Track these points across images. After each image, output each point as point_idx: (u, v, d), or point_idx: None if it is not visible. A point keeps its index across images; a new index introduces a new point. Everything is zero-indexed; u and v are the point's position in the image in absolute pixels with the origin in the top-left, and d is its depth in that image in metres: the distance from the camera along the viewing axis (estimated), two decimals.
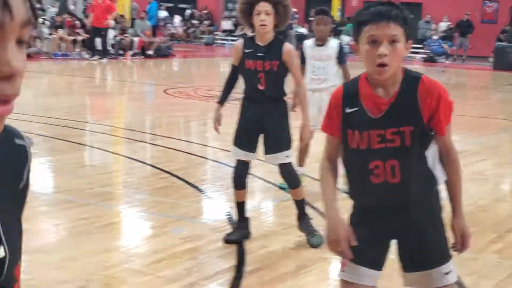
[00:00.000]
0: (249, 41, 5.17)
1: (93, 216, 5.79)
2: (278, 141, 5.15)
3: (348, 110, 2.73)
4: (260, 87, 5.09)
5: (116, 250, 5.09)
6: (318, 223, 5.81)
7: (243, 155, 5.25)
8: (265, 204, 6.59)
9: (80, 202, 6.18)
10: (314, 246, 5.23)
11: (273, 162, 5.29)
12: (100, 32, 21.02)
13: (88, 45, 21.51)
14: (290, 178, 5.29)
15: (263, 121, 5.11)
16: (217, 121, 5.34)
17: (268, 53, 5.06)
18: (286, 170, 5.25)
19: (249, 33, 5.28)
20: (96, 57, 21.05)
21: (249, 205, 6.14)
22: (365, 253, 2.79)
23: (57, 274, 4.49)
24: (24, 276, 4.43)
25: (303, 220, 5.35)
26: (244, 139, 5.21)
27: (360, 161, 2.73)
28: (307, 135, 5.34)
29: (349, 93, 2.76)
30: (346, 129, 2.75)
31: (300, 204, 5.35)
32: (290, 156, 5.26)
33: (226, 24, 33.26)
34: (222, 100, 5.35)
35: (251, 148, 5.22)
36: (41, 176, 7.39)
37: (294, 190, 5.31)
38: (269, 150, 5.20)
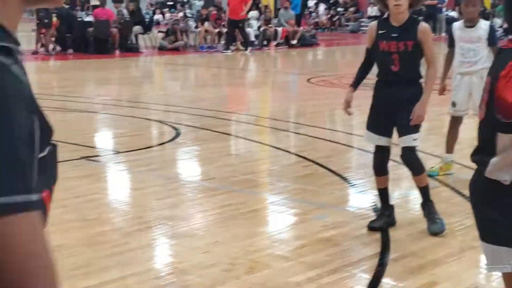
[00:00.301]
0: (384, 22, 5.10)
1: (237, 202, 5.89)
2: (408, 123, 4.99)
3: None
4: (394, 69, 4.99)
5: (260, 236, 5.15)
6: (466, 210, 5.61)
7: (377, 139, 5.16)
8: (411, 192, 6.43)
9: (225, 189, 6.30)
10: (434, 233, 5.07)
11: (400, 145, 5.15)
12: (237, 24, 21.26)
13: (227, 38, 21.84)
14: (413, 163, 5.12)
15: (396, 103, 4.99)
16: (347, 104, 5.24)
17: (403, 33, 4.96)
18: (408, 154, 5.08)
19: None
20: (230, 49, 21.28)
21: (395, 193, 6.05)
22: None
23: (203, 258, 4.59)
24: (173, 259, 4.57)
25: (426, 207, 5.18)
26: (377, 123, 5.12)
27: None
28: (421, 113, 5.03)
29: None
30: None
31: (424, 191, 5.18)
32: (418, 140, 5.09)
33: (372, 10, 32.75)
34: (355, 84, 5.26)
35: (385, 132, 5.11)
36: (188, 164, 7.62)
37: (417, 176, 5.13)
38: (399, 133, 5.08)
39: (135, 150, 7.92)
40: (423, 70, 5.12)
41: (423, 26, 5.02)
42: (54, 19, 19.87)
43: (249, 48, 21.48)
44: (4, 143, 0.93)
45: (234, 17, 21.23)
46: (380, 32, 5.06)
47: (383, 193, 5.29)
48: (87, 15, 21.77)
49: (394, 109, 5.02)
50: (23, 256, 0.92)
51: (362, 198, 6.15)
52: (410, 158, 5.10)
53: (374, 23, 5.24)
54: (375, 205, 5.70)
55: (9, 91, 0.96)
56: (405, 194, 6.30)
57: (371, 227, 5.18)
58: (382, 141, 5.15)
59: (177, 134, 8.82)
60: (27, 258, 0.92)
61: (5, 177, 0.92)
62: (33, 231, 0.94)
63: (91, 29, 19.91)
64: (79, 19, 20.89)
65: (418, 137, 5.10)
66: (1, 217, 0.91)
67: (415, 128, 5.04)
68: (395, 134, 5.17)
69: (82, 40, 19.92)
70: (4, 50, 0.99)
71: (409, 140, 5.05)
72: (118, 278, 4.27)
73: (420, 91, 5.04)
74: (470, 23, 6.63)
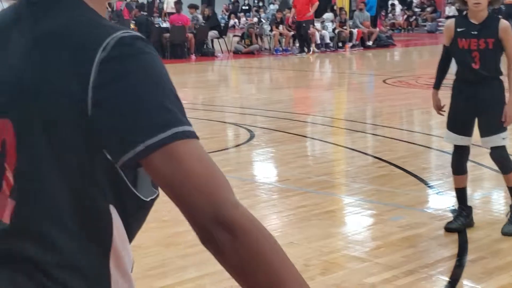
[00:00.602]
0: (462, 20, 5.02)
1: (312, 204, 5.87)
2: (494, 122, 4.91)
3: None
4: (475, 67, 4.91)
5: (335, 237, 5.12)
6: None
7: (458, 139, 5.07)
8: (491, 193, 6.29)
9: (299, 190, 6.29)
10: (504, 233, 4.97)
11: (488, 145, 5.04)
12: (302, 24, 21.09)
13: (301, 40, 21.71)
14: (503, 162, 5.04)
15: (477, 102, 4.91)
16: (437, 106, 5.23)
17: (483, 31, 4.88)
18: (499, 154, 5.00)
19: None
20: (304, 52, 21.16)
21: (475, 194, 5.92)
22: None
23: None
24: None
25: None
26: (458, 122, 5.04)
27: None
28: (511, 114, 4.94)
29: None
30: None
31: None
32: (506, 138, 5.00)
33: (450, 10, 32.09)
34: (437, 84, 5.25)
35: (466, 132, 5.03)
36: (263, 166, 7.64)
37: (507, 175, 5.04)
38: (484, 132, 4.98)
39: (211, 152, 7.99)
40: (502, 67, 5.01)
41: (504, 23, 4.94)
42: (132, 26, 20.26)
43: (311, 50, 21.30)
44: (172, 92, 1.21)
45: (300, 19, 21.12)
46: (458, 29, 4.98)
47: (461, 193, 5.19)
48: (164, 21, 22.10)
49: (475, 108, 4.94)
50: (204, 165, 1.19)
51: (440, 199, 6.04)
52: (501, 156, 5.03)
53: (452, 20, 5.17)
54: (453, 206, 5.59)
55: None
56: (485, 195, 6.16)
57: (448, 228, 5.09)
58: (464, 140, 5.07)
59: (252, 136, 8.86)
60: (206, 166, 1.19)
61: (180, 114, 1.22)
62: (203, 149, 1.21)
63: (167, 35, 20.22)
64: (156, 26, 21.25)
65: (506, 136, 5.01)
66: (188, 139, 1.20)
67: (502, 127, 4.95)
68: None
69: (159, 45, 20.21)
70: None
71: (498, 139, 4.97)
72: (194, 278, 4.32)
73: (501, 89, 4.96)
74: None
